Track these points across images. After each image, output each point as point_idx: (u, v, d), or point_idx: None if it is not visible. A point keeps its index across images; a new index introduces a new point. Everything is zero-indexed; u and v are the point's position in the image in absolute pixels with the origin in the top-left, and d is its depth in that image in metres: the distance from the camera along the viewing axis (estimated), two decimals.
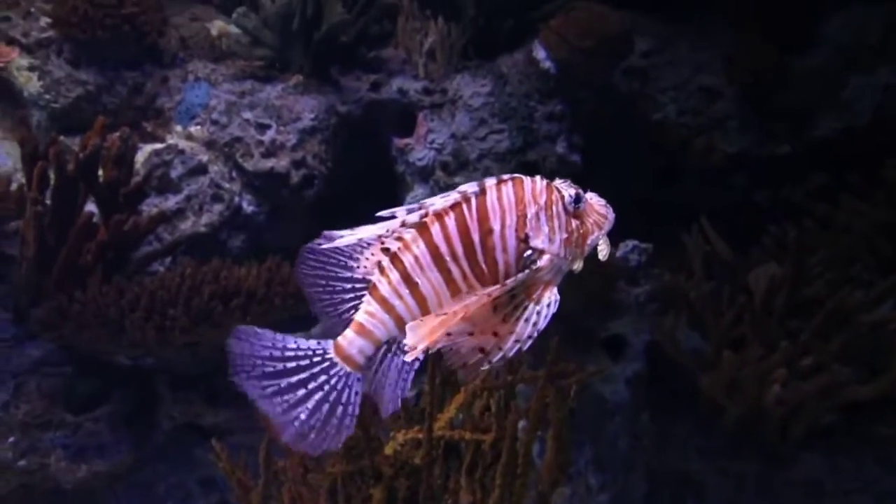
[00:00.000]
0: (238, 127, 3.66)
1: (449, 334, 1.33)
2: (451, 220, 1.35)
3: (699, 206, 3.58)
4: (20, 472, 2.96)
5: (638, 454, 3.10)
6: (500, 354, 1.34)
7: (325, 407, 1.41)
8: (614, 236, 3.34)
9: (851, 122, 3.98)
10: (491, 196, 1.36)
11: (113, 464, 3.05)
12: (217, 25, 4.21)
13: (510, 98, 3.67)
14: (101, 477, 3.06)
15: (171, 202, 3.56)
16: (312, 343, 1.43)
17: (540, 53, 3.70)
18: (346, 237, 1.34)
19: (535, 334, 1.35)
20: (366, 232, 1.34)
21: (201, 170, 3.64)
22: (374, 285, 1.38)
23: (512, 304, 1.35)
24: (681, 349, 3.10)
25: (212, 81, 3.83)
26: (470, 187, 1.36)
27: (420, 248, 1.36)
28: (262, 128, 3.65)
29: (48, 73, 3.80)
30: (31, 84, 3.81)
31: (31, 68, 3.82)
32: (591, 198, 1.43)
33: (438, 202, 1.35)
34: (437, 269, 1.36)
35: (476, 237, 1.35)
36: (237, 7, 3.90)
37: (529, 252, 1.36)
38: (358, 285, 1.42)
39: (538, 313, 1.35)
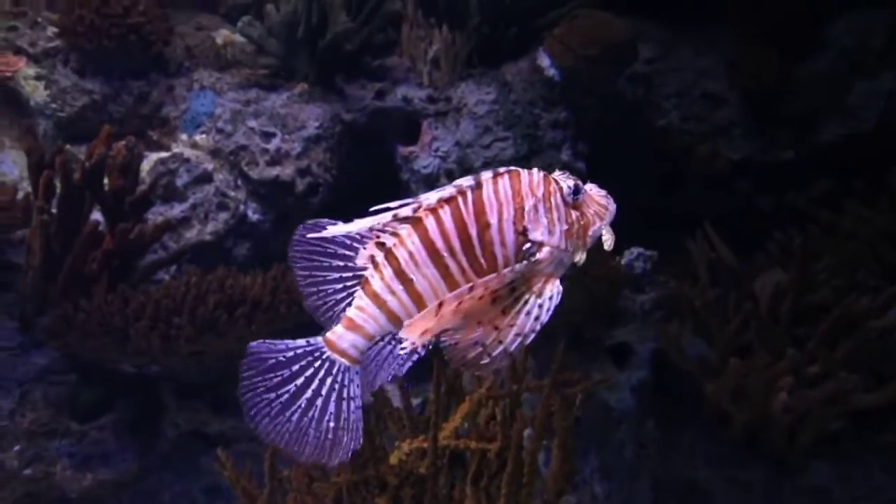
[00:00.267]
0: (243, 135, 3.67)
1: (448, 328, 1.31)
2: (446, 215, 1.33)
3: (703, 212, 3.58)
4: (26, 480, 2.96)
5: (644, 462, 3.08)
6: (501, 348, 1.32)
7: (343, 405, 1.40)
8: (619, 243, 3.32)
9: (856, 128, 3.98)
10: (487, 189, 1.34)
11: (118, 472, 3.05)
12: (222, 34, 4.23)
13: (515, 106, 3.68)
14: (107, 485, 3.06)
15: (177, 210, 3.57)
16: (301, 342, 1.41)
17: (544, 61, 3.70)
18: (338, 228, 1.32)
19: (539, 327, 1.33)
20: (359, 225, 1.32)
21: (206, 178, 3.65)
22: (367, 280, 1.37)
23: (512, 296, 1.33)
24: (686, 357, 3.09)
25: (217, 90, 3.85)
26: (466, 181, 1.34)
27: (415, 243, 1.34)
28: (267, 136, 3.66)
29: (55, 82, 3.82)
30: (37, 93, 3.83)
31: (37, 77, 3.85)
32: (591, 189, 1.41)
33: (433, 196, 1.33)
34: (434, 265, 1.34)
35: (473, 231, 1.33)
36: (242, 16, 3.92)
37: (529, 245, 1.34)
38: (349, 281, 1.40)
39: (540, 306, 1.33)
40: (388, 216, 1.31)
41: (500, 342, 1.32)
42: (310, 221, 1.41)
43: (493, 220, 1.33)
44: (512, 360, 2.15)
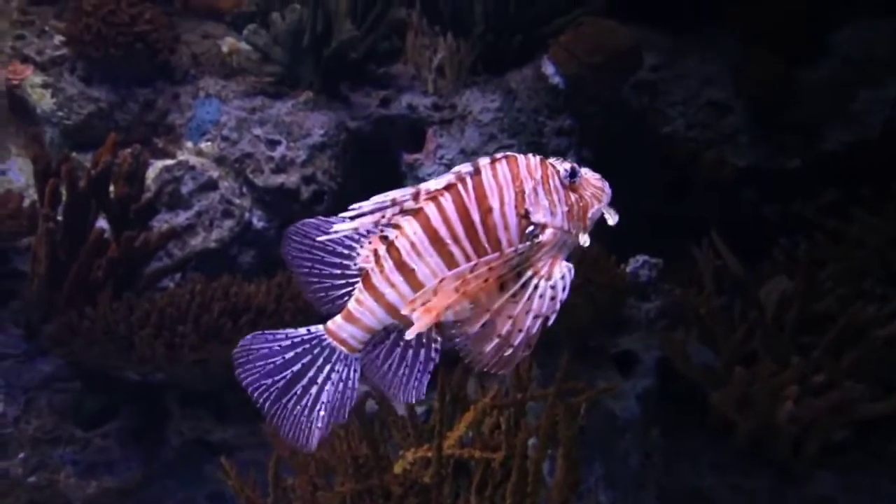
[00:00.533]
0: (248, 143, 3.68)
1: (458, 316, 1.30)
2: (448, 202, 1.33)
3: (709, 220, 3.57)
4: (30, 488, 2.96)
5: (649, 471, 3.07)
6: (522, 335, 1.31)
7: (329, 387, 1.41)
8: (624, 251, 3.30)
9: (862, 136, 3.97)
10: (486, 174, 1.34)
11: (122, 480, 3.05)
12: (228, 42, 4.25)
13: (519, 113, 3.68)
14: (111, 493, 3.06)
15: (182, 218, 3.58)
16: (302, 331, 1.42)
17: (549, 69, 3.71)
18: (343, 227, 1.31)
19: (558, 306, 1.32)
20: (360, 220, 1.31)
21: (212, 186, 3.66)
22: (367, 273, 1.37)
23: (519, 282, 1.32)
24: (691, 365, 3.08)
25: (222, 98, 3.86)
26: (464, 168, 1.34)
27: (417, 232, 1.33)
28: (273, 144, 3.67)
29: (61, 90, 3.84)
30: (44, 101, 3.85)
31: (44, 85, 3.87)
32: (586, 172, 1.41)
33: (433, 183, 1.32)
34: (437, 253, 1.33)
35: (476, 217, 1.33)
36: (248, 24, 3.93)
37: (532, 228, 1.34)
38: (349, 272, 1.40)
39: (553, 287, 1.32)
40: (388, 205, 1.31)
41: (521, 330, 1.31)
42: (310, 221, 1.41)
43: (495, 205, 1.33)
44: (524, 359, 2.15)
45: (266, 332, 1.44)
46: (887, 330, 2.94)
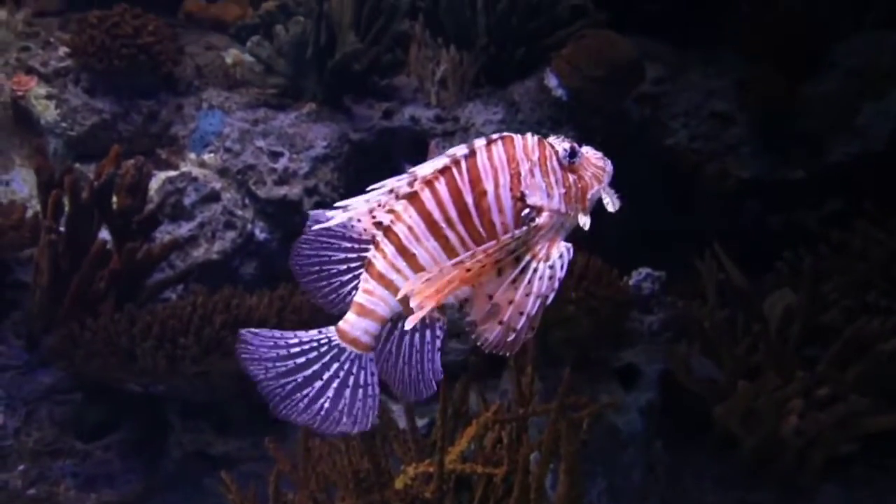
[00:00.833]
0: (251, 155, 3.69)
1: (460, 298, 1.29)
2: (442, 186, 1.31)
3: (712, 231, 3.56)
4: (29, 500, 2.95)
5: (651, 485, 3.05)
6: (524, 318, 1.29)
7: (347, 392, 1.38)
8: (627, 263, 3.28)
9: (865, 148, 3.97)
10: (481, 156, 1.32)
11: (122, 493, 3.04)
12: (232, 54, 4.26)
13: (522, 126, 3.68)
14: None
15: (184, 229, 3.57)
16: (314, 333, 1.39)
17: (552, 81, 3.71)
18: (337, 216, 1.30)
19: (556, 286, 1.30)
20: (355, 206, 1.30)
21: (214, 197, 3.66)
22: (370, 262, 1.34)
23: (518, 266, 1.31)
24: (694, 378, 3.06)
25: (226, 109, 3.87)
26: (459, 150, 1.32)
27: (413, 217, 1.31)
28: (275, 155, 3.67)
29: (65, 101, 3.85)
30: (48, 112, 3.87)
31: (48, 97, 3.88)
32: (587, 151, 1.38)
33: (427, 168, 1.31)
34: (434, 237, 1.32)
35: (469, 200, 1.31)
36: (251, 36, 3.94)
37: (527, 210, 1.32)
38: (354, 265, 1.37)
39: (552, 267, 1.31)
40: (384, 190, 1.30)
41: (521, 313, 1.30)
42: (312, 212, 1.40)
43: (489, 188, 1.31)
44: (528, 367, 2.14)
45: (274, 331, 1.42)
46: (892, 343, 2.93)
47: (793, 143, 4.06)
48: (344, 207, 1.30)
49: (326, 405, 1.38)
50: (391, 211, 1.32)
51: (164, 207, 3.52)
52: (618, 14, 3.97)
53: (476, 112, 3.72)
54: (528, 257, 1.31)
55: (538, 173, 1.33)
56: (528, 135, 1.36)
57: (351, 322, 1.36)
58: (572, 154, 1.35)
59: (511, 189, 1.32)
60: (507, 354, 1.33)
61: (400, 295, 1.30)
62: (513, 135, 1.35)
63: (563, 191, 1.33)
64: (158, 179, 3.64)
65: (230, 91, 3.99)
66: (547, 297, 1.30)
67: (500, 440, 2.04)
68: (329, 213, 1.32)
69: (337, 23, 3.81)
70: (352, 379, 1.38)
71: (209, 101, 3.92)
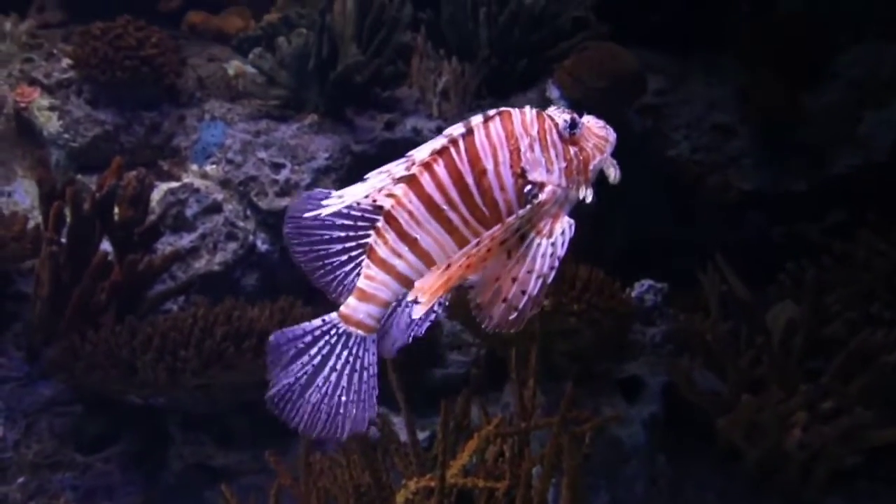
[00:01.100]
0: (253, 166, 3.69)
1: (466, 283, 1.28)
2: (441, 167, 1.29)
3: (715, 243, 3.55)
4: None
5: (655, 498, 3.03)
6: (526, 298, 1.27)
7: (355, 377, 1.37)
8: (629, 275, 3.26)
9: (868, 159, 3.96)
10: (479, 134, 1.30)
11: None
12: (234, 65, 4.27)
13: None
14: None
15: (186, 240, 3.57)
16: (317, 322, 1.38)
17: (553, 93, 3.71)
18: (334, 203, 1.29)
19: (557, 264, 1.28)
20: (354, 193, 1.29)
21: (216, 208, 3.66)
22: (371, 248, 1.33)
23: (523, 244, 1.29)
24: (697, 391, 3.04)
25: (228, 121, 3.88)
26: (456, 129, 1.30)
27: (413, 201, 1.30)
28: (277, 167, 3.68)
29: (68, 112, 3.86)
30: (50, 123, 3.87)
31: (51, 108, 3.89)
32: (589, 121, 1.36)
33: (425, 150, 1.29)
34: (436, 220, 1.30)
35: (470, 180, 1.29)
36: (254, 48, 3.96)
37: (529, 187, 1.30)
38: (354, 251, 1.37)
39: (553, 244, 1.29)
40: (383, 176, 1.29)
41: (524, 291, 1.28)
42: (304, 194, 1.39)
43: (489, 166, 1.29)
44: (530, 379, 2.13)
45: (286, 330, 1.40)
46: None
47: (795, 154, 4.05)
48: (341, 196, 1.29)
49: (343, 398, 1.37)
50: (391, 195, 1.31)
51: (165, 219, 3.52)
52: (619, 26, 3.98)
53: None
54: (532, 234, 1.30)
55: (538, 148, 1.31)
56: (527, 108, 1.34)
57: (352, 306, 1.36)
58: (572, 125, 1.33)
59: (511, 166, 1.30)
60: (512, 331, 1.31)
61: (411, 297, 1.29)
62: (510, 109, 1.33)
63: (564, 165, 1.31)
64: (160, 191, 3.65)
65: (232, 102, 4.00)
66: (548, 275, 1.29)
67: (502, 454, 2.03)
68: (327, 202, 1.30)
69: (339, 35, 3.82)
70: (359, 363, 1.37)
71: (211, 112, 3.93)
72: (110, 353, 2.75)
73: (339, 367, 1.37)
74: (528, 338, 2.57)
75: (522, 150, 1.30)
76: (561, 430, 1.87)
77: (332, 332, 1.37)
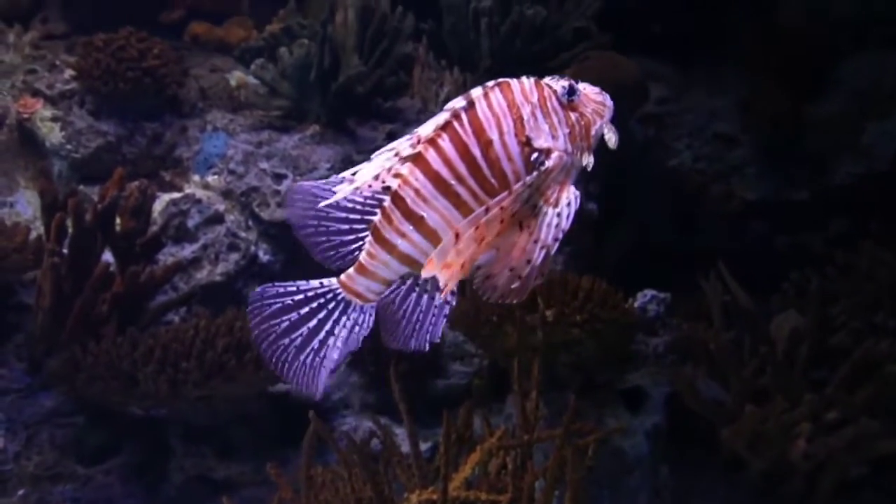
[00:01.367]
0: (255, 176, 3.69)
1: (479, 264, 1.27)
2: (446, 142, 1.28)
3: (717, 252, 3.54)
4: None
5: None
6: (529, 268, 1.27)
7: (344, 334, 1.39)
8: (632, 284, 3.25)
9: (870, 168, 3.96)
10: (481, 106, 1.29)
11: None
12: (236, 76, 4.28)
13: None
14: None
15: (188, 251, 3.57)
16: (315, 283, 1.38)
17: None
18: (343, 188, 1.28)
19: (560, 235, 1.28)
20: (363, 175, 1.28)
21: (218, 219, 3.66)
22: (375, 226, 1.33)
23: (534, 214, 1.28)
24: (701, 401, 3.03)
25: (230, 131, 3.88)
26: (457, 102, 1.30)
27: (419, 178, 1.29)
28: (279, 177, 3.68)
29: (70, 123, 3.87)
30: (53, 134, 3.88)
31: (53, 119, 3.90)
32: (584, 88, 1.36)
33: (429, 126, 1.29)
34: (444, 196, 1.29)
35: (477, 152, 1.28)
36: (256, 58, 3.97)
37: (536, 155, 1.30)
38: (357, 224, 1.36)
39: (559, 215, 1.28)
40: (390, 154, 1.28)
41: (528, 261, 1.28)
42: (306, 184, 1.38)
43: (494, 136, 1.29)
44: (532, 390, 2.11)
45: (276, 284, 1.41)
46: None
47: (797, 163, 4.05)
48: (350, 179, 1.29)
49: (334, 355, 1.38)
50: (398, 175, 1.30)
51: (167, 229, 3.52)
52: (621, 35, 3.98)
53: None
54: (541, 203, 1.29)
55: (540, 115, 1.31)
56: (524, 77, 1.34)
57: (352, 277, 1.36)
58: (571, 92, 1.33)
59: (516, 135, 1.30)
60: (514, 301, 1.30)
61: (425, 274, 1.28)
62: (509, 80, 1.33)
63: (567, 130, 1.31)
64: (162, 201, 3.65)
65: (234, 113, 4.01)
66: (552, 246, 1.28)
67: (504, 466, 2.02)
68: (338, 187, 1.30)
69: (340, 45, 3.83)
70: (349, 323, 1.38)
71: (213, 123, 3.94)
72: (111, 365, 2.74)
73: (335, 331, 1.38)
74: (531, 349, 2.56)
75: (525, 117, 1.30)
76: (564, 442, 1.85)
77: (329, 296, 1.38)
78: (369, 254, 1.34)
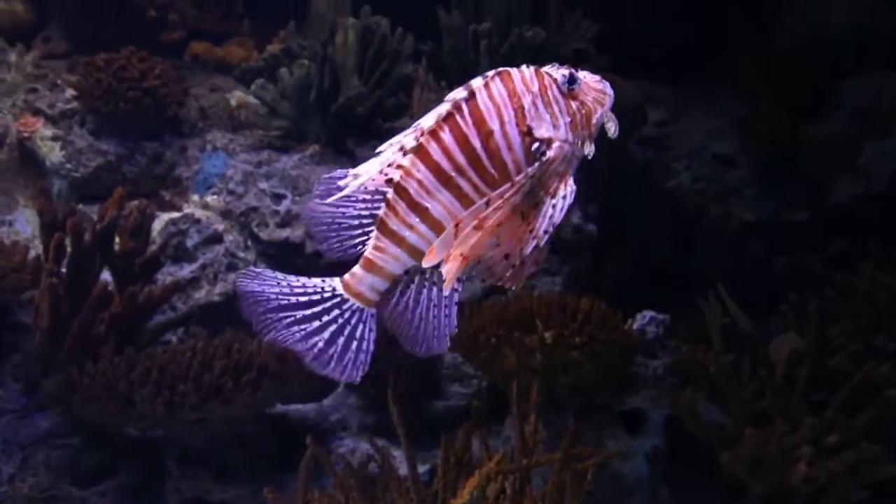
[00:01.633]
0: (254, 197, 3.70)
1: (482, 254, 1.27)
2: (447, 134, 1.28)
3: (716, 273, 3.54)
4: None
5: None
6: (522, 257, 1.28)
7: (341, 340, 1.36)
8: (631, 306, 3.24)
9: (869, 189, 3.97)
10: (481, 96, 1.29)
11: None
12: (236, 96, 4.30)
13: None
14: None
15: (186, 271, 3.57)
16: (318, 280, 1.37)
17: None
18: (349, 183, 1.28)
19: (551, 228, 1.28)
20: (368, 170, 1.28)
21: (217, 239, 3.66)
22: (381, 219, 1.32)
23: (534, 205, 1.28)
24: (701, 424, 3.01)
25: (229, 151, 3.89)
26: (458, 93, 1.29)
27: (421, 170, 1.29)
28: (278, 198, 3.68)
29: (70, 142, 3.88)
30: (53, 154, 3.89)
31: (54, 138, 3.91)
32: (585, 76, 1.35)
33: (431, 117, 1.29)
34: (446, 188, 1.29)
35: (477, 143, 1.28)
36: (256, 79, 3.98)
37: (537, 145, 1.29)
38: (365, 220, 1.36)
39: (554, 206, 1.28)
40: (394, 149, 1.28)
41: (522, 249, 1.28)
42: (324, 177, 1.38)
43: (495, 127, 1.28)
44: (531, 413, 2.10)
45: (277, 273, 1.41)
46: None
47: (796, 184, 4.06)
48: (356, 175, 1.29)
49: (320, 344, 1.36)
50: (400, 167, 1.30)
51: (166, 249, 3.52)
52: (619, 58, 4.01)
53: None
54: (541, 193, 1.29)
55: (541, 104, 1.30)
56: (524, 66, 1.33)
57: (357, 276, 1.35)
58: (571, 80, 1.32)
59: (517, 124, 1.29)
60: (511, 287, 1.31)
61: (425, 264, 1.28)
62: (509, 69, 1.33)
63: (568, 119, 1.31)
64: (161, 221, 3.65)
65: (234, 133, 4.02)
66: (542, 238, 1.28)
67: (503, 491, 2.00)
68: (342, 182, 1.30)
69: (340, 66, 3.85)
70: (348, 329, 1.36)
71: (213, 142, 3.95)
72: (108, 386, 2.73)
73: (328, 325, 1.37)
74: (530, 371, 2.55)
75: (526, 107, 1.30)
76: (563, 467, 1.84)
77: (329, 292, 1.37)
78: (377, 247, 1.33)
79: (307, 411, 3.19)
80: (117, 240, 3.16)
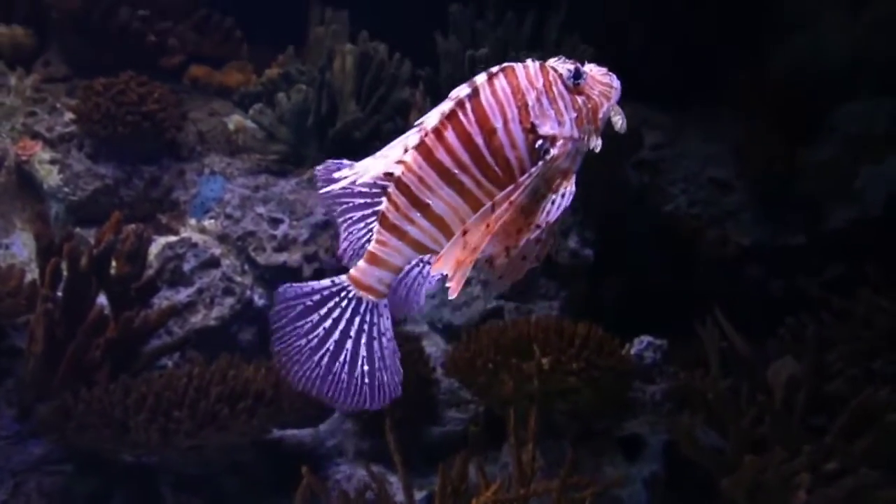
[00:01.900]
0: (251, 221, 3.70)
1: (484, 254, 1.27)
2: (449, 132, 1.28)
3: (713, 297, 3.54)
4: None
5: None
6: (520, 253, 1.28)
7: (375, 345, 1.36)
8: (628, 331, 3.23)
9: (864, 213, 3.98)
10: (485, 93, 1.28)
11: None
12: (234, 120, 4.31)
13: None
14: None
15: (183, 295, 3.56)
16: (326, 282, 1.37)
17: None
18: (350, 177, 1.28)
19: (545, 226, 1.28)
20: (372, 168, 1.28)
21: (213, 263, 3.66)
22: (383, 214, 1.33)
23: (537, 202, 1.28)
24: (699, 449, 2.99)
25: (227, 175, 3.90)
26: (462, 90, 1.29)
27: (423, 167, 1.29)
28: (275, 222, 3.69)
29: (68, 166, 3.88)
30: (51, 177, 3.89)
31: (52, 162, 3.91)
32: (591, 69, 1.34)
33: (434, 115, 1.29)
34: (448, 185, 1.29)
35: (480, 140, 1.28)
36: (254, 103, 4.00)
37: (541, 142, 1.29)
38: (370, 218, 1.37)
39: (552, 202, 1.28)
40: (399, 148, 1.28)
41: (517, 246, 1.29)
42: (328, 163, 1.39)
43: (498, 124, 1.28)
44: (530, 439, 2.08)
45: (294, 285, 1.40)
46: None
47: (792, 208, 4.07)
48: (360, 173, 1.29)
49: (348, 359, 1.35)
50: (401, 163, 1.30)
51: (163, 273, 3.51)
52: None
53: None
54: (545, 191, 1.29)
55: (545, 101, 1.29)
56: (529, 61, 1.33)
57: (362, 269, 1.35)
58: (577, 75, 1.31)
59: (521, 122, 1.28)
60: (508, 282, 1.31)
61: (433, 272, 1.28)
62: (513, 64, 1.32)
63: (573, 115, 1.30)
64: (158, 244, 3.65)
65: (232, 157, 4.03)
66: (538, 235, 1.28)
67: None
68: (339, 174, 1.31)
69: (338, 91, 3.87)
70: (375, 330, 1.36)
71: (211, 166, 3.96)
72: (103, 413, 2.71)
73: (353, 334, 1.36)
74: (527, 397, 2.53)
75: (530, 104, 1.29)
76: (561, 496, 1.82)
77: (343, 294, 1.36)
78: (379, 242, 1.34)
79: (303, 437, 3.17)
80: (114, 264, 3.15)
